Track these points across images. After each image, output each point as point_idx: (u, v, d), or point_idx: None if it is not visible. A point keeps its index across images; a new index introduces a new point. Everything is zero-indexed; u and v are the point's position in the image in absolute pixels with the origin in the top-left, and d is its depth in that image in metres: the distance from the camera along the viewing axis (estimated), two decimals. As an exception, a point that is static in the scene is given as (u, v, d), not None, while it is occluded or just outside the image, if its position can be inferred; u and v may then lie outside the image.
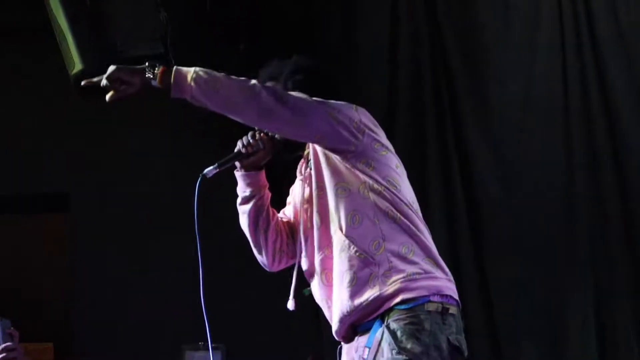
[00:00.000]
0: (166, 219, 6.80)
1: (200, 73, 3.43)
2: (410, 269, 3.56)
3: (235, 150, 3.75)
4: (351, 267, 3.60)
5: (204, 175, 3.66)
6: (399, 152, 3.76)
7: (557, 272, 6.48)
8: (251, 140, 3.78)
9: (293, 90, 3.74)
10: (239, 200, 3.87)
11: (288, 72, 3.84)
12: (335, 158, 3.59)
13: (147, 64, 3.36)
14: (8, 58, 6.92)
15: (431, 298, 3.56)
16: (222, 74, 3.52)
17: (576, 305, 6.44)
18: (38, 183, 7.10)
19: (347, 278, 3.65)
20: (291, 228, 3.94)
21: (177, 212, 6.12)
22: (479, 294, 6.43)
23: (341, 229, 3.56)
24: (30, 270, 8.99)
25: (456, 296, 3.59)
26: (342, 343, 3.85)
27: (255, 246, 3.89)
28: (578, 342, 6.45)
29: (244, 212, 3.86)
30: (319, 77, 3.93)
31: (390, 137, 3.76)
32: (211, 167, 3.67)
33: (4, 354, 4.36)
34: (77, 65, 5.44)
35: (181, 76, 3.39)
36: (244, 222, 3.87)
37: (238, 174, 3.82)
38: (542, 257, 6.42)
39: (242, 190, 3.83)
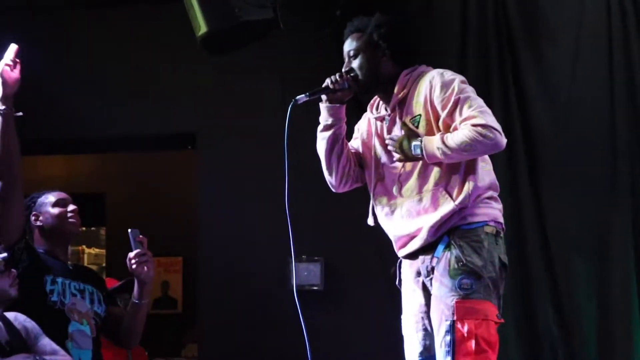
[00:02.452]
0: (273, 152, 6.11)
1: (444, 149, 3.88)
2: (474, 197, 4.01)
3: (324, 85, 4.09)
4: (427, 193, 4.03)
5: (296, 101, 4.07)
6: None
7: (601, 195, 6.47)
8: (339, 79, 4.09)
9: (378, 40, 4.12)
10: (320, 127, 4.19)
11: (373, 25, 4.13)
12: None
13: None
14: (149, 21, 7.07)
15: (489, 222, 3.99)
16: (449, 143, 3.91)
17: (618, 225, 6.42)
18: (170, 124, 7.29)
19: (426, 201, 4.03)
20: (358, 157, 4.28)
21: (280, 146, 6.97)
22: (535, 214, 6.46)
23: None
24: (164, 196, 9.61)
25: (503, 223, 4.07)
26: (403, 260, 4.27)
27: (327, 168, 4.28)
28: (619, 256, 6.38)
29: (323, 138, 4.20)
30: (399, 29, 4.25)
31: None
32: (302, 95, 4.05)
33: (136, 259, 4.85)
34: (202, 28, 5.88)
35: (432, 152, 3.90)
36: (321, 147, 4.23)
37: (322, 105, 4.14)
38: (589, 182, 6.43)
39: (325, 119, 4.14)
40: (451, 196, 3.99)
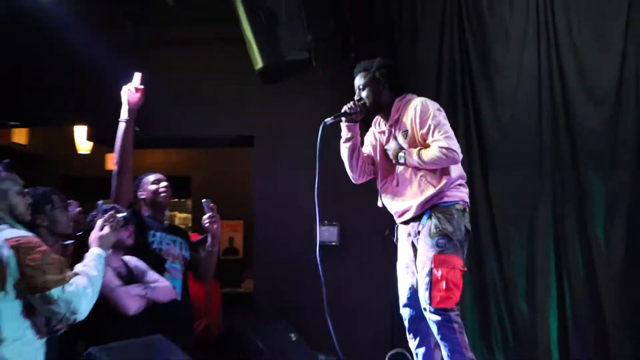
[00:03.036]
0: (307, 150, 5.89)
1: (419, 161, 4.28)
2: (448, 192, 4.34)
3: (342, 110, 4.41)
4: (415, 183, 4.38)
5: (325, 123, 4.44)
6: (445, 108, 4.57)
7: (531, 185, 6.59)
8: (353, 106, 4.43)
9: (380, 77, 4.48)
10: (342, 140, 4.54)
11: (375, 67, 4.48)
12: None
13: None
14: (223, 57, 7.19)
15: (458, 202, 4.34)
16: (423, 158, 4.27)
17: (542, 206, 6.59)
18: (236, 129, 7.56)
19: (415, 188, 4.37)
20: (370, 159, 4.64)
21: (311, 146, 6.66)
22: (485, 197, 6.57)
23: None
24: (231, 178, 9.70)
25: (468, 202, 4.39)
26: (400, 225, 4.57)
27: (349, 168, 4.64)
28: (542, 229, 6.59)
29: (345, 147, 4.55)
30: (393, 69, 4.58)
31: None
32: (329, 118, 4.44)
33: (208, 220, 5.23)
34: (259, 64, 6.03)
35: (412, 162, 4.31)
36: (344, 153, 4.58)
37: (343, 125, 4.48)
38: (523, 176, 6.59)
39: (345, 134, 4.50)
40: (432, 185, 4.30)
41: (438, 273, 4.21)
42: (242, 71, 6.48)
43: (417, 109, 4.35)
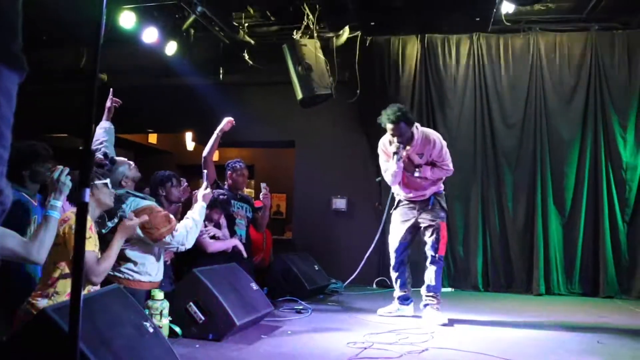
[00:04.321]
0: (330, 151, 7.05)
1: (430, 175, 4.29)
2: (440, 186, 4.51)
3: (396, 150, 4.26)
4: (425, 184, 4.39)
5: (396, 154, 4.24)
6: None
7: (470, 174, 6.47)
8: (401, 147, 4.29)
9: (406, 122, 4.21)
10: (397, 161, 4.30)
11: (400, 115, 4.23)
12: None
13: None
14: (279, 91, 6.85)
15: (443, 191, 4.55)
16: (435, 173, 4.29)
17: (474, 190, 6.53)
18: (282, 135, 7.38)
19: (428, 185, 4.39)
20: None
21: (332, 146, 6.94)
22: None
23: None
24: (280, 167, 9.16)
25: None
26: (408, 202, 4.46)
27: (398, 177, 4.38)
28: (474, 204, 6.49)
29: (399, 168, 4.33)
30: (406, 113, 4.30)
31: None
32: (396, 156, 4.26)
33: (263, 195, 5.18)
34: (299, 95, 6.04)
35: (425, 175, 4.27)
36: (398, 170, 4.33)
37: (396, 157, 4.27)
38: (464, 172, 6.34)
39: (398, 159, 4.26)
40: (435, 185, 4.44)
41: (441, 233, 4.36)
42: (289, 100, 6.36)
43: (437, 144, 4.33)
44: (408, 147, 4.31)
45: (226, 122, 4.97)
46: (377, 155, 6.56)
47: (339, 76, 6.70)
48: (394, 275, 4.58)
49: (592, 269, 6.32)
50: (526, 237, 6.44)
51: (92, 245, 2.80)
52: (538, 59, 6.60)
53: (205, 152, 4.94)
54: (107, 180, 3.08)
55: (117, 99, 4.35)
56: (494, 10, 5.95)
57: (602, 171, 6.36)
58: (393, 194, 4.72)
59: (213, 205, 4.47)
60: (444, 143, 4.37)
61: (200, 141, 7.66)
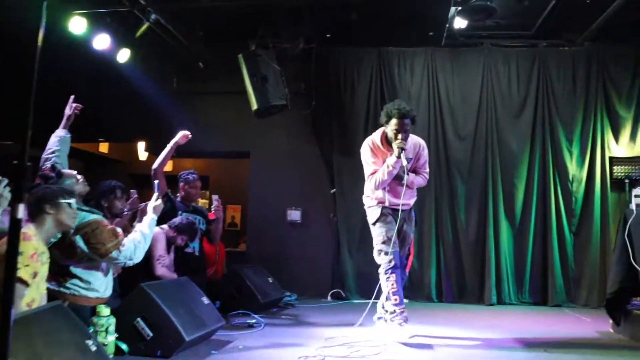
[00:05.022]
0: (286, 161, 6.98)
1: (411, 181, 3.99)
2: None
3: (401, 148, 3.89)
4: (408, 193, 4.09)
5: (406, 161, 3.87)
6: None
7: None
8: (404, 146, 3.92)
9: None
10: (394, 163, 3.92)
11: (413, 115, 4.02)
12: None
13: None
14: (233, 101, 6.82)
15: None
16: (417, 181, 4.03)
17: (428, 199, 6.46)
18: (237, 145, 7.21)
19: (407, 196, 4.09)
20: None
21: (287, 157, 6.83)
22: None
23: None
24: (235, 177, 8.85)
25: None
26: (393, 211, 4.05)
27: (390, 179, 4.00)
28: (429, 211, 6.45)
29: (395, 169, 3.97)
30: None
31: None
32: (405, 160, 3.89)
33: (215, 208, 5.09)
34: (254, 105, 6.07)
35: (408, 183, 3.94)
36: (393, 173, 3.96)
37: (402, 156, 3.90)
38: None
39: (397, 161, 3.91)
40: (415, 195, 4.28)
41: (412, 250, 4.31)
42: (244, 110, 6.37)
43: (425, 149, 4.18)
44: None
45: (181, 135, 4.80)
46: (330, 166, 6.70)
47: (295, 87, 6.73)
48: (392, 284, 3.99)
49: (541, 279, 6.42)
50: (478, 247, 6.50)
51: (27, 274, 2.62)
52: (489, 73, 6.75)
53: (155, 165, 4.80)
54: (72, 200, 2.97)
55: (79, 105, 4.10)
56: (447, 25, 6.03)
57: (550, 182, 6.50)
58: (370, 206, 4.19)
59: (184, 231, 4.44)
60: (427, 150, 4.27)
61: (154, 151, 7.47)
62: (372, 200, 4.18)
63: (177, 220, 4.64)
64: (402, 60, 6.86)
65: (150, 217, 3.61)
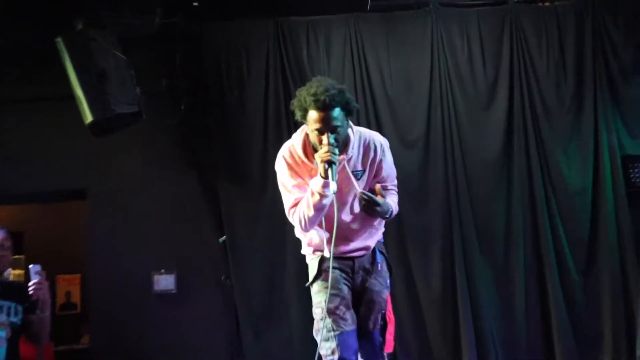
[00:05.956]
0: (140, 202, 6.91)
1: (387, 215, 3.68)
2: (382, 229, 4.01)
3: (327, 161, 3.42)
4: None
5: (334, 192, 3.42)
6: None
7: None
8: (335, 153, 3.45)
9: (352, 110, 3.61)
10: (330, 192, 3.47)
11: (348, 98, 3.57)
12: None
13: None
14: (52, 112, 6.79)
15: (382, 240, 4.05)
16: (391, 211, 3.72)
17: None
18: (67, 181, 6.99)
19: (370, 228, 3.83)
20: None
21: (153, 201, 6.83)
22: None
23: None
24: (66, 231, 8.72)
25: None
26: (338, 263, 3.73)
27: (319, 218, 3.64)
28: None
29: (329, 200, 3.54)
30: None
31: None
32: (333, 183, 3.41)
33: (34, 287, 4.69)
34: (89, 118, 5.92)
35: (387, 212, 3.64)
36: (324, 206, 3.57)
37: (335, 179, 3.45)
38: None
39: (335, 186, 3.46)
40: (380, 228, 3.94)
41: (389, 317, 4.05)
42: (73, 125, 6.22)
43: (385, 153, 3.82)
44: (342, 157, 3.66)
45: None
46: (215, 202, 6.69)
47: (151, 85, 6.62)
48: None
49: (543, 341, 6.52)
50: (446, 305, 6.56)
51: None
52: (440, 48, 6.82)
53: None
54: None
55: None
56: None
57: (542, 201, 6.61)
58: (307, 256, 3.99)
59: None
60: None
61: None
62: (306, 247, 3.96)
63: None
64: (311, 35, 6.89)
65: None
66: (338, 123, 3.53)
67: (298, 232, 3.95)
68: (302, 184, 3.74)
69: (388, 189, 3.89)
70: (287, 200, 3.81)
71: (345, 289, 3.77)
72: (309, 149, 3.74)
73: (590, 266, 6.58)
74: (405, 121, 6.79)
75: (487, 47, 6.84)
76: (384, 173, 3.86)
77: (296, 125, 6.09)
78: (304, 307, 6.00)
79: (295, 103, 3.68)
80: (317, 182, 3.55)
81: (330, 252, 3.66)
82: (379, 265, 3.91)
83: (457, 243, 6.59)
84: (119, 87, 6.10)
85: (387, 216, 3.74)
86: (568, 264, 6.53)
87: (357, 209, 3.75)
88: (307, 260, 3.96)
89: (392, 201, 3.82)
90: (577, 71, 6.79)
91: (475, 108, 6.82)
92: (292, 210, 3.75)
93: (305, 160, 3.73)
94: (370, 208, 3.62)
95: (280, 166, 3.83)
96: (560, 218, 6.60)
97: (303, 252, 4.00)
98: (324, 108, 3.50)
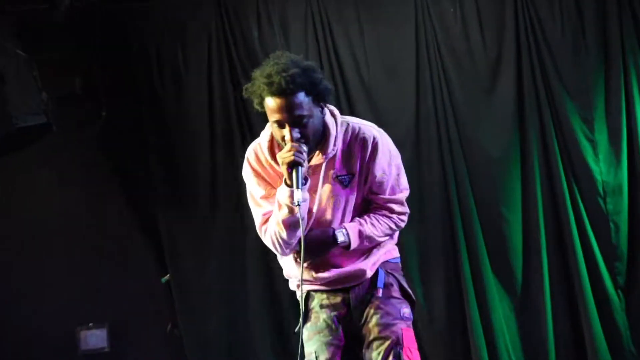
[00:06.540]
0: (58, 240, 6.81)
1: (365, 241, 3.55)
2: (392, 247, 3.87)
3: (293, 162, 3.35)
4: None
5: (299, 204, 3.32)
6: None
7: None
8: (302, 150, 3.38)
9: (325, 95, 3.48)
10: (295, 203, 3.42)
11: (315, 79, 3.46)
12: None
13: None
14: None
15: (398, 259, 3.91)
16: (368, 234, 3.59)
17: None
18: None
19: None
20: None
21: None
22: None
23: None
24: None
25: None
26: (326, 294, 3.68)
27: (291, 238, 3.56)
28: None
29: (300, 219, 3.47)
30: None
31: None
32: (299, 193, 3.33)
33: None
34: None
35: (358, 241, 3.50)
36: (294, 220, 3.48)
37: (303, 186, 3.42)
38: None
39: (303, 195, 3.45)
40: (383, 245, 3.82)
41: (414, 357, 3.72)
42: None
43: (381, 150, 3.62)
44: (320, 156, 3.59)
45: None
46: (154, 232, 6.75)
47: (63, 87, 6.71)
48: None
49: None
50: (455, 337, 6.59)
51: None
52: (427, 16, 6.80)
53: None
54: None
55: None
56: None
57: (567, 203, 6.63)
58: (292, 290, 4.00)
59: None
60: (394, 148, 3.76)
61: None
62: (289, 279, 3.94)
63: None
64: (263, 13, 6.85)
65: None
66: (303, 112, 3.40)
67: (278, 257, 3.88)
68: (274, 193, 3.62)
69: (380, 208, 3.71)
70: (255, 215, 3.75)
71: (341, 333, 3.68)
72: (279, 148, 3.60)
73: (633, 279, 6.59)
74: (388, 113, 6.72)
75: (485, 14, 6.80)
76: (374, 179, 3.63)
77: (252, 126, 6.56)
78: (277, 354, 6.13)
79: (249, 88, 3.53)
80: (283, 192, 3.45)
81: (299, 278, 3.58)
82: (381, 291, 3.74)
83: (462, 262, 6.55)
84: (20, 93, 6.04)
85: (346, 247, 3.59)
86: (604, 280, 6.53)
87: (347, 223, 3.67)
88: (297, 297, 3.88)
89: (365, 227, 3.62)
90: (602, 42, 6.77)
91: (475, 91, 6.82)
92: (263, 227, 3.69)
93: (273, 162, 3.63)
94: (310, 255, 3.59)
95: (245, 172, 3.75)
96: (590, 222, 6.59)
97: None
98: (281, 93, 3.35)
